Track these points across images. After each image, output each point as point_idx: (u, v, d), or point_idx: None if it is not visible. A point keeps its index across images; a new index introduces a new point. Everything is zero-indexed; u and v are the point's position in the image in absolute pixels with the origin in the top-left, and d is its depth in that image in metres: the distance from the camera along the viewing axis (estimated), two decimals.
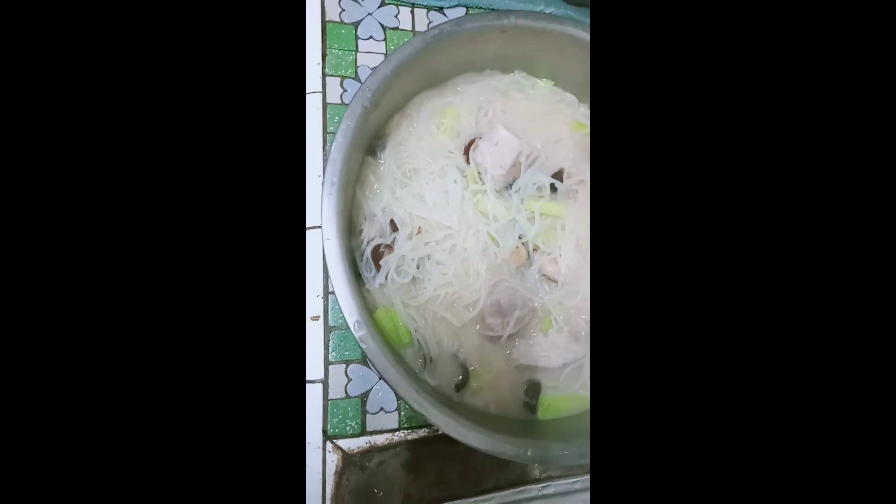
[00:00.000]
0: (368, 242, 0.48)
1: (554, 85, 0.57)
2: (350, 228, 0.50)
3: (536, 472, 0.53)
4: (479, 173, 0.51)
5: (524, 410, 0.50)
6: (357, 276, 0.48)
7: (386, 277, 0.48)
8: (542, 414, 0.49)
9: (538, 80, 0.57)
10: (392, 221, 0.49)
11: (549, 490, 0.53)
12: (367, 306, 0.47)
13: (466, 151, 0.52)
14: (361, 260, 0.49)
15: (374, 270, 0.48)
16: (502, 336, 0.48)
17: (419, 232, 0.49)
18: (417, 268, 0.48)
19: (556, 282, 0.51)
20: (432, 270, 0.48)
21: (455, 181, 0.50)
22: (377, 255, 0.48)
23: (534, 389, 0.50)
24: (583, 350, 0.50)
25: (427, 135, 0.53)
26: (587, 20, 0.64)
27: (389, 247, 0.48)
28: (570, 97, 0.57)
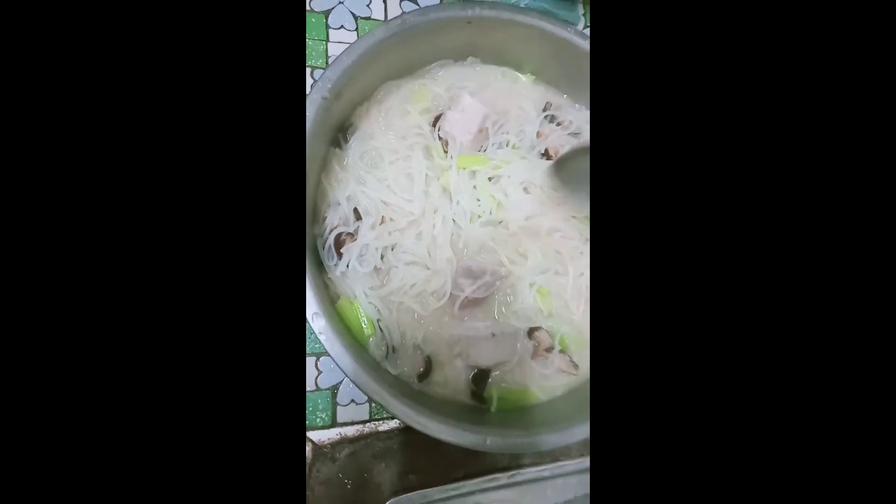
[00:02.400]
0: (331, 231, 0.48)
1: (535, 80, 0.57)
2: (314, 216, 0.50)
3: (506, 461, 0.54)
4: (446, 144, 0.51)
5: (472, 398, 0.50)
6: (319, 265, 0.48)
7: (347, 266, 0.47)
8: (500, 405, 0.49)
9: (521, 76, 0.57)
10: (356, 210, 0.48)
11: (519, 478, 0.53)
12: (329, 295, 0.46)
13: (435, 124, 0.52)
14: (324, 248, 0.48)
15: (335, 259, 0.48)
16: (466, 296, 0.48)
17: (383, 222, 0.48)
18: (382, 258, 0.48)
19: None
20: (399, 259, 0.48)
21: (419, 163, 0.50)
22: (339, 243, 0.48)
23: (480, 376, 0.50)
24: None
25: (397, 118, 0.52)
26: (562, 12, 0.64)
27: (352, 235, 0.48)
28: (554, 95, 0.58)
